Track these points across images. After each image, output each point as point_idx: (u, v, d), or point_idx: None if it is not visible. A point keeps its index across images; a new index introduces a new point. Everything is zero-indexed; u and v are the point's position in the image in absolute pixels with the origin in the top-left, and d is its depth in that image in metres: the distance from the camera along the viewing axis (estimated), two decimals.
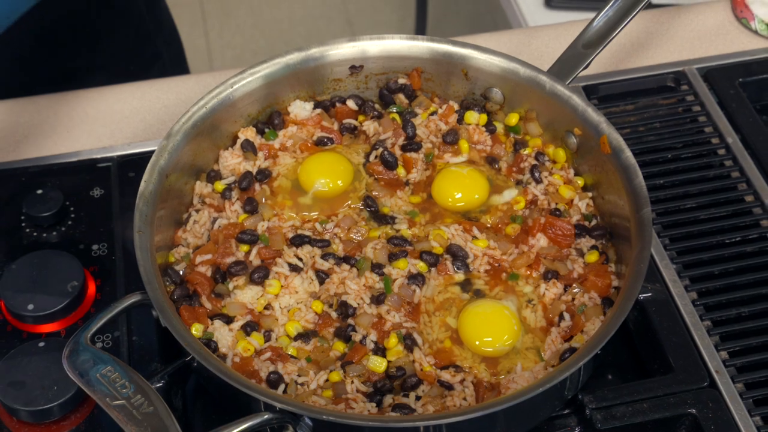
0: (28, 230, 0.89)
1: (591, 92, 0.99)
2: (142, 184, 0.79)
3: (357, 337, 0.76)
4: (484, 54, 0.88)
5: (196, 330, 0.76)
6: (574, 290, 0.79)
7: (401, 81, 0.90)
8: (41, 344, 0.79)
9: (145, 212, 0.78)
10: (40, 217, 0.89)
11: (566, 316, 0.78)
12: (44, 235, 0.89)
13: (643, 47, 1.04)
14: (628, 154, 0.81)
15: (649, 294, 0.83)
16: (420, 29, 2.12)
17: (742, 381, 0.79)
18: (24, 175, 0.93)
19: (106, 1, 1.12)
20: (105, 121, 0.99)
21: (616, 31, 0.88)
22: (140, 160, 0.91)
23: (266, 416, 0.67)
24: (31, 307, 0.81)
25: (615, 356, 0.83)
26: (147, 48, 1.19)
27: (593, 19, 0.89)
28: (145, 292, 0.73)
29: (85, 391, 0.75)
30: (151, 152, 0.89)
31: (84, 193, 0.91)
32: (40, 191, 0.89)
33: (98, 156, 0.95)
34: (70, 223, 0.89)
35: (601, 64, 0.94)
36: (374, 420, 0.69)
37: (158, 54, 1.21)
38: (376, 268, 0.80)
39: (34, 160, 0.94)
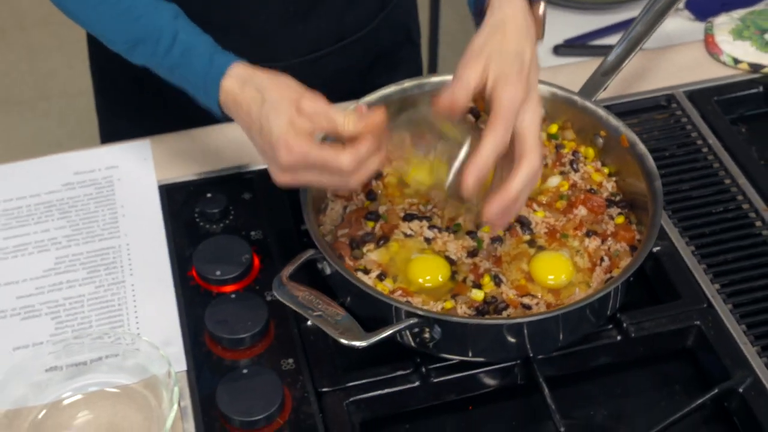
0: (201, 223, 1.20)
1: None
2: None
3: (460, 278, 1.08)
4: None
5: None
6: (609, 242, 1.11)
7: (470, 104, 1.23)
8: (233, 296, 1.10)
9: (305, 201, 1.09)
10: (210, 213, 1.20)
11: (605, 258, 1.09)
12: (213, 226, 1.20)
13: (642, 77, 1.38)
14: (641, 146, 1.13)
15: (660, 248, 1.15)
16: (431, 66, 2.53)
17: (731, 302, 1.11)
18: (194, 184, 1.25)
19: None
20: (246, 145, 1.30)
21: (625, 63, 1.22)
22: None
23: (411, 321, 0.98)
24: (218, 272, 1.12)
25: (639, 297, 1.14)
26: None
27: (607, 55, 1.23)
28: (318, 250, 1.04)
29: (270, 324, 1.07)
30: None
31: (238, 196, 1.23)
32: (209, 195, 1.21)
33: (244, 170, 1.27)
34: (231, 217, 1.21)
35: (612, 90, 1.27)
36: (480, 320, 1.01)
37: None
38: (469, 233, 1.12)
39: (201, 173, 1.26)
